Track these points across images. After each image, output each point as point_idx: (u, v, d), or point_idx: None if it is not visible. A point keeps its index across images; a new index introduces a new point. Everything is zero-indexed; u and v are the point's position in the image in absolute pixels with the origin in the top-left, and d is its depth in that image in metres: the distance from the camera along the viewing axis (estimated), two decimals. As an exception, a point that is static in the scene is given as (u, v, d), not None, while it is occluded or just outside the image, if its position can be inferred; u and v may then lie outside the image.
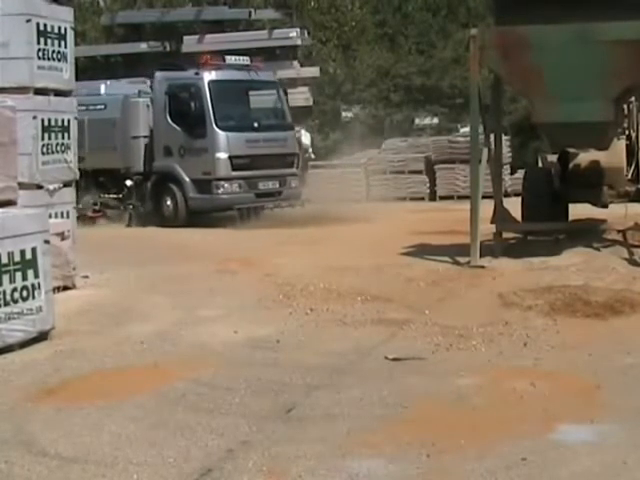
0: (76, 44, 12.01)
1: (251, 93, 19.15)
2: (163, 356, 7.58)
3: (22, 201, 9.16)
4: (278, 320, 8.70)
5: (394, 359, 7.30)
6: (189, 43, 24.20)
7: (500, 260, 11.51)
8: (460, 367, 7.01)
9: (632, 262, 11.13)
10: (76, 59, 11.77)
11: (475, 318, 8.54)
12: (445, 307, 9.29)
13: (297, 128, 20.60)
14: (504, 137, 13.81)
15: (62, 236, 9.87)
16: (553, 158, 13.61)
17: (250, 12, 25.34)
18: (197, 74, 17.91)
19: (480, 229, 11.57)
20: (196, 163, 17.69)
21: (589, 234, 12.65)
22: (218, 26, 25.53)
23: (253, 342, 7.95)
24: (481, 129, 12.18)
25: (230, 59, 18.71)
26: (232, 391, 6.48)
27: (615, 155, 13.18)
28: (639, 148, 13.61)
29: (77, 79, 11.55)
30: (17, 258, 7.73)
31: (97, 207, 18.71)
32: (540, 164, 14.29)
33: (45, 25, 10.69)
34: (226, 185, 17.62)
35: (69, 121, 11.18)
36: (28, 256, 7.85)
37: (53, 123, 10.89)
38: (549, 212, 12.75)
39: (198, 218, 17.59)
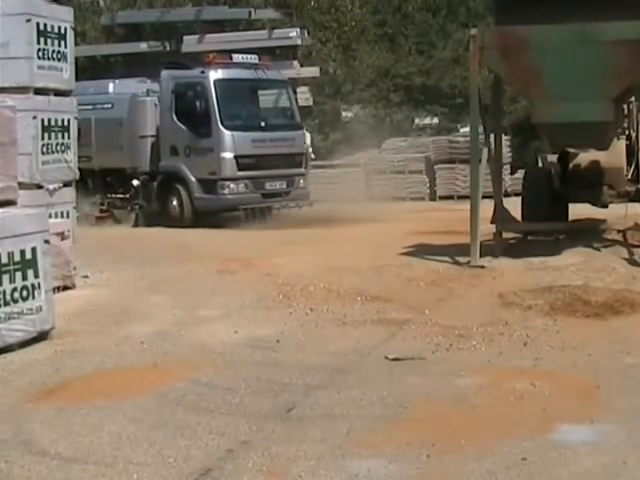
0: (76, 44, 12.02)
1: (259, 92, 18.94)
2: (163, 356, 7.58)
3: (22, 201, 9.16)
4: (278, 320, 8.71)
5: (394, 359, 7.30)
6: (189, 43, 24.20)
7: (500, 260, 11.51)
8: (460, 367, 7.01)
9: (632, 262, 11.13)
10: (76, 59, 11.78)
11: (475, 318, 8.54)
12: (445, 307, 9.29)
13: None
14: (504, 137, 13.81)
15: (62, 236, 9.88)
16: (553, 158, 13.60)
17: (250, 12, 25.33)
18: (203, 73, 17.74)
19: (480, 229, 11.58)
20: (202, 163, 17.53)
21: (589, 234, 12.65)
22: (218, 26, 25.53)
23: (253, 342, 7.95)
24: (481, 129, 12.18)
25: (237, 57, 18.47)
26: (232, 391, 6.48)
27: (615, 155, 13.18)
28: (639, 148, 13.60)
29: (77, 79, 11.55)
30: (17, 258, 7.73)
31: (104, 207, 18.58)
32: (540, 164, 14.28)
33: (45, 25, 10.70)
34: (232, 185, 17.44)
35: (69, 121, 11.19)
36: (28, 256, 7.85)
37: (53, 123, 10.90)
38: (549, 212, 12.75)
39: (204, 218, 17.40)
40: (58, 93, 11.03)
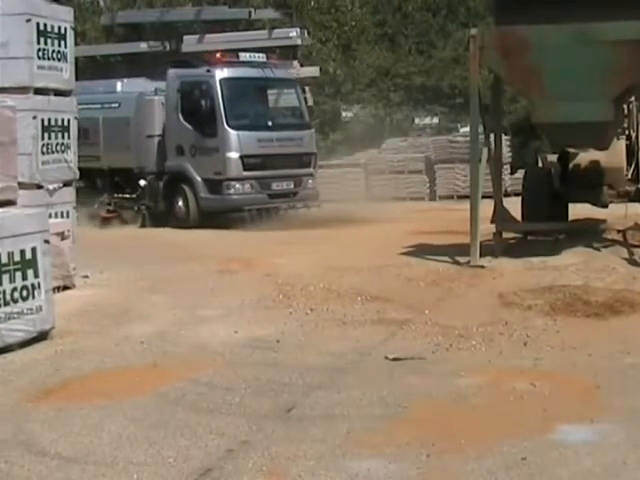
0: (76, 44, 12.02)
1: (266, 91, 18.70)
2: (163, 356, 7.58)
3: (22, 201, 9.16)
4: (278, 320, 8.71)
5: (394, 359, 7.30)
6: (189, 43, 24.17)
7: (500, 260, 11.51)
8: (460, 367, 7.01)
9: (632, 262, 11.13)
10: (76, 59, 11.77)
11: (475, 318, 8.54)
12: (445, 307, 9.29)
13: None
14: (504, 137, 13.81)
15: (62, 236, 9.88)
16: (553, 158, 13.61)
17: (250, 12, 25.28)
18: (209, 71, 17.55)
19: (480, 229, 11.58)
20: (207, 163, 17.36)
21: (589, 234, 12.65)
22: (218, 26, 25.51)
23: (253, 342, 7.95)
24: (481, 129, 12.18)
25: (244, 56, 18.23)
26: (232, 391, 6.48)
27: (615, 155, 13.18)
28: (639, 148, 13.60)
29: (77, 79, 11.55)
30: (17, 258, 7.73)
31: (111, 207, 18.45)
32: (540, 164, 14.29)
33: (45, 25, 10.70)
34: (237, 185, 17.24)
35: (69, 121, 11.19)
36: (28, 256, 7.85)
37: (53, 123, 10.90)
38: (549, 212, 12.75)
39: (210, 219, 17.19)
40: (58, 93, 11.03)
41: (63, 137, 11.07)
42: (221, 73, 17.53)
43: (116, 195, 18.61)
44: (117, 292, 10.18)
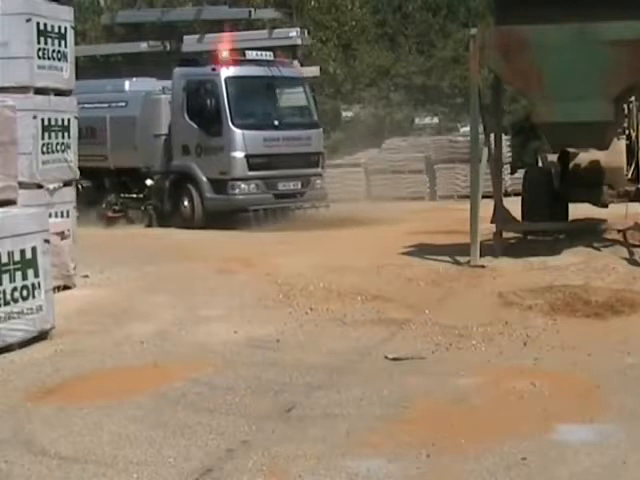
0: (76, 44, 12.01)
1: (273, 90, 18.39)
2: (163, 356, 7.58)
3: (22, 201, 9.18)
4: (278, 320, 8.71)
5: (394, 359, 7.30)
6: (189, 43, 24.17)
7: (500, 260, 11.51)
8: (460, 367, 7.01)
9: (632, 262, 11.13)
10: (76, 59, 11.77)
11: (475, 318, 8.54)
12: (445, 307, 9.29)
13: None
14: (504, 137, 13.80)
15: (62, 236, 9.87)
16: (553, 158, 13.60)
17: (250, 12, 25.27)
18: (214, 70, 17.33)
19: (480, 229, 11.58)
20: (213, 162, 17.14)
21: (589, 234, 12.64)
22: (218, 26, 25.51)
23: (253, 342, 7.95)
24: (481, 129, 12.18)
25: (251, 54, 18.00)
26: (232, 391, 6.48)
27: (615, 155, 13.18)
28: (639, 148, 13.60)
29: (77, 79, 11.55)
30: (17, 257, 7.73)
31: (117, 207, 18.32)
32: (540, 164, 14.28)
33: (45, 24, 10.70)
34: (242, 185, 17.03)
35: (69, 120, 11.19)
36: (28, 255, 7.85)
37: (53, 122, 10.91)
38: (549, 212, 12.75)
39: (216, 219, 16.93)
40: (58, 93, 11.03)
41: (63, 137, 11.07)
42: (226, 72, 17.32)
43: (123, 195, 18.46)
44: (117, 292, 10.17)
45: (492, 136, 12.51)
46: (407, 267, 11.19)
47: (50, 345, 7.89)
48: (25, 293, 7.80)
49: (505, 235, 12.65)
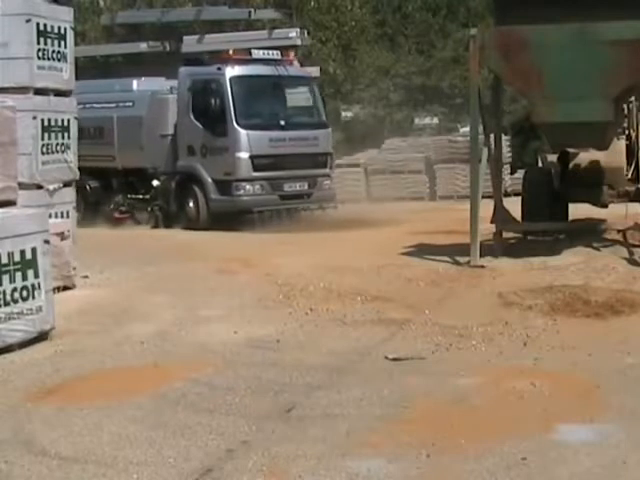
0: (76, 44, 12.01)
1: (280, 89, 18.06)
2: (163, 356, 7.58)
3: (22, 201, 9.17)
4: (278, 320, 8.71)
5: (394, 359, 7.30)
6: (189, 43, 24.18)
7: (500, 260, 11.51)
8: (460, 367, 7.01)
9: (632, 262, 11.13)
10: (76, 59, 11.77)
11: (475, 318, 8.54)
12: (445, 307, 9.29)
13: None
14: (504, 137, 13.80)
15: (62, 236, 9.87)
16: (553, 158, 13.60)
17: (250, 12, 25.27)
18: (219, 69, 17.09)
19: (480, 229, 11.58)
20: (217, 163, 16.91)
21: (589, 234, 12.64)
22: (218, 26, 25.51)
23: (253, 342, 7.95)
24: (481, 129, 12.18)
25: (257, 53, 17.74)
26: (232, 391, 6.48)
27: (615, 155, 13.18)
28: (639, 148, 13.60)
29: (77, 79, 11.55)
30: (17, 258, 7.73)
31: (124, 208, 18.17)
32: (540, 164, 14.28)
33: (45, 25, 10.70)
34: (247, 186, 16.78)
35: (69, 121, 11.19)
36: (28, 256, 7.85)
37: (53, 123, 10.91)
38: (549, 212, 12.75)
39: (221, 220, 16.68)
40: (58, 93, 11.03)
41: (63, 137, 11.07)
42: (232, 71, 17.09)
43: (129, 196, 18.30)
44: (117, 292, 10.17)
45: (492, 136, 12.51)
46: (407, 267, 11.19)
47: (50, 345, 7.89)
48: (25, 294, 7.80)
49: (505, 235, 12.65)
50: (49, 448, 5.45)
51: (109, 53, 26.46)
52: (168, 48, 24.09)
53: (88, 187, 18.14)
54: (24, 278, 7.80)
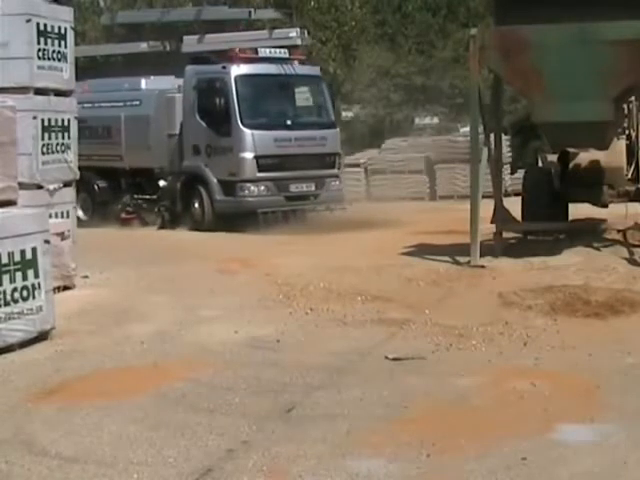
0: (76, 44, 12.00)
1: (287, 88, 17.80)
2: (163, 356, 7.58)
3: (22, 201, 9.17)
4: (278, 320, 8.70)
5: (394, 359, 7.30)
6: (189, 43, 24.18)
7: (500, 260, 11.51)
8: (460, 367, 7.01)
9: (632, 262, 11.14)
10: (76, 59, 11.77)
11: (475, 318, 8.54)
12: (445, 307, 9.29)
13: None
14: (504, 137, 13.80)
15: (62, 236, 9.87)
16: (553, 158, 13.61)
17: (250, 12, 25.26)
18: (224, 68, 16.84)
19: (480, 229, 11.58)
20: (222, 163, 16.65)
21: (589, 234, 12.64)
22: (218, 26, 25.51)
23: (253, 342, 7.95)
24: (481, 129, 12.19)
25: (264, 52, 17.43)
26: (232, 391, 6.49)
27: (615, 155, 13.18)
28: (639, 148, 13.60)
29: (77, 79, 11.55)
30: (17, 258, 7.73)
31: (131, 209, 18.00)
32: (540, 164, 14.28)
33: (45, 25, 10.70)
34: (252, 187, 16.49)
35: (69, 121, 11.18)
36: (28, 256, 7.85)
37: (53, 123, 10.90)
38: (549, 212, 12.75)
39: (226, 221, 16.41)
40: (58, 93, 11.02)
41: (63, 137, 11.07)
42: (237, 70, 16.85)
43: (137, 196, 18.10)
44: (117, 292, 10.17)
45: (492, 136, 12.52)
46: (407, 267, 11.19)
47: (50, 345, 7.89)
48: (25, 294, 7.80)
49: (505, 235, 12.65)
50: (49, 448, 5.45)
51: (109, 53, 26.48)
52: (168, 48, 24.09)
53: (96, 187, 18.10)
54: (24, 278, 7.81)
